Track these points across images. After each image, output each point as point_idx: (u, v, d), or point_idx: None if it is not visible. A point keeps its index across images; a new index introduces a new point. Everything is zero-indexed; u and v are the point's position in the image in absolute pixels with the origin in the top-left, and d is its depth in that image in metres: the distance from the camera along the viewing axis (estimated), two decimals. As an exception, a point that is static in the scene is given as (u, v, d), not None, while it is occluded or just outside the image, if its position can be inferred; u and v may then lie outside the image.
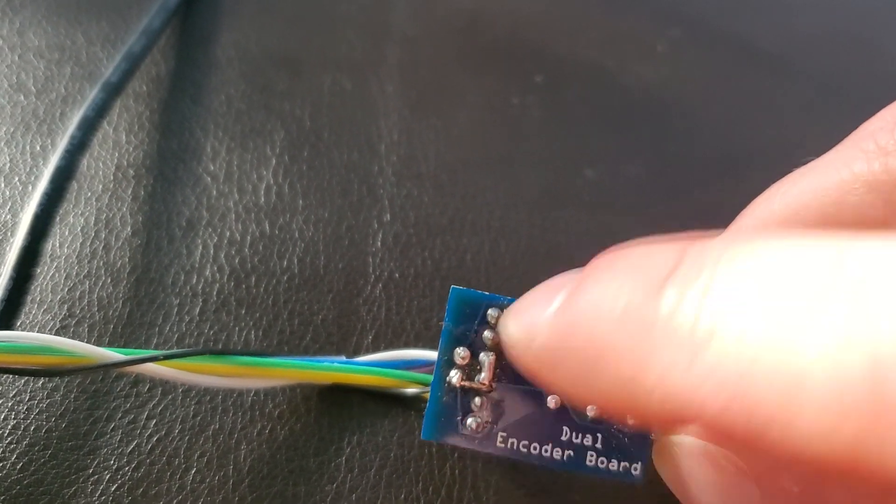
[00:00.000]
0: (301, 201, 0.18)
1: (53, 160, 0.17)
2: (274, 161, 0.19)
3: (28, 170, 0.18)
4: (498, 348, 0.13)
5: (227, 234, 0.17)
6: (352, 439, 0.15)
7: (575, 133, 0.19)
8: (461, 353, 0.13)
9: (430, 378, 0.13)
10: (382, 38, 0.22)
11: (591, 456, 0.13)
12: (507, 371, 0.13)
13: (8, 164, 0.18)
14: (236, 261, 0.17)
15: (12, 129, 0.19)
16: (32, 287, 0.16)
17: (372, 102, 0.20)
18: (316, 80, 0.20)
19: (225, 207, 0.18)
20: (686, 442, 0.12)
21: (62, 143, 0.17)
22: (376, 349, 0.16)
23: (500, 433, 0.13)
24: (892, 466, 0.07)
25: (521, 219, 0.18)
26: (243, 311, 0.16)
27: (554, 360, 0.10)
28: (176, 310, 0.16)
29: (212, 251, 0.17)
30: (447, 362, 0.13)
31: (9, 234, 0.17)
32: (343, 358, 0.15)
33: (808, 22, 0.23)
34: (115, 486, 0.15)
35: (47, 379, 0.15)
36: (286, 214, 0.18)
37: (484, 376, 0.13)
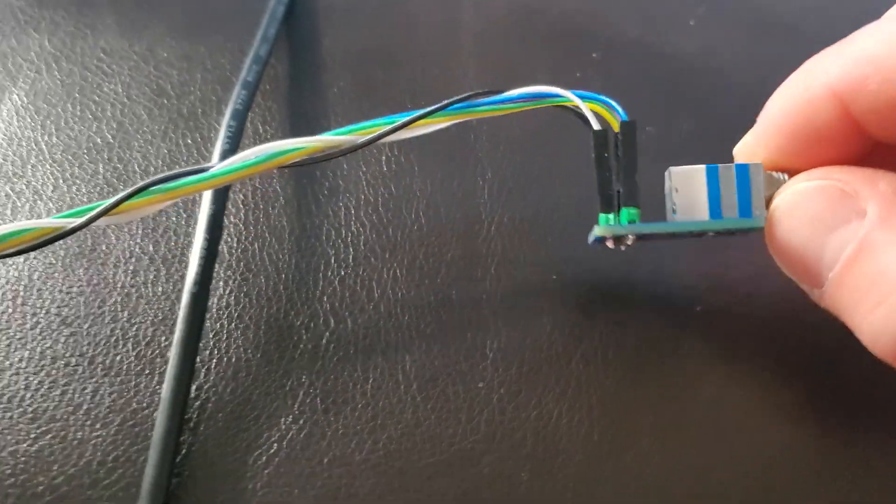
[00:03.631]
0: (416, 167, 0.22)
1: (218, 145, 0.20)
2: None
3: (185, 158, 0.22)
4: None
5: (362, 197, 0.21)
6: (492, 346, 0.19)
7: (632, 98, 0.23)
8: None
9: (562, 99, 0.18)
10: (455, 31, 0.25)
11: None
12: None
13: (168, 155, 0.22)
14: (374, 217, 0.21)
15: (163, 128, 0.22)
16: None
17: (458, 86, 0.24)
18: (409, 70, 0.24)
19: (356, 176, 0.21)
20: (801, 182, 0.16)
21: (222, 132, 0.20)
22: (499, 279, 0.20)
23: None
24: None
25: (588, 176, 0.21)
26: (387, 255, 0.20)
27: None
28: (333, 258, 0.20)
29: (353, 211, 0.21)
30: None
31: (190, 204, 0.20)
32: (494, 97, 0.18)
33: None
34: (308, 398, 0.18)
35: (238, 318, 0.19)
36: (406, 178, 0.21)
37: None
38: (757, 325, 0.19)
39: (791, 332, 0.19)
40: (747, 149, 0.18)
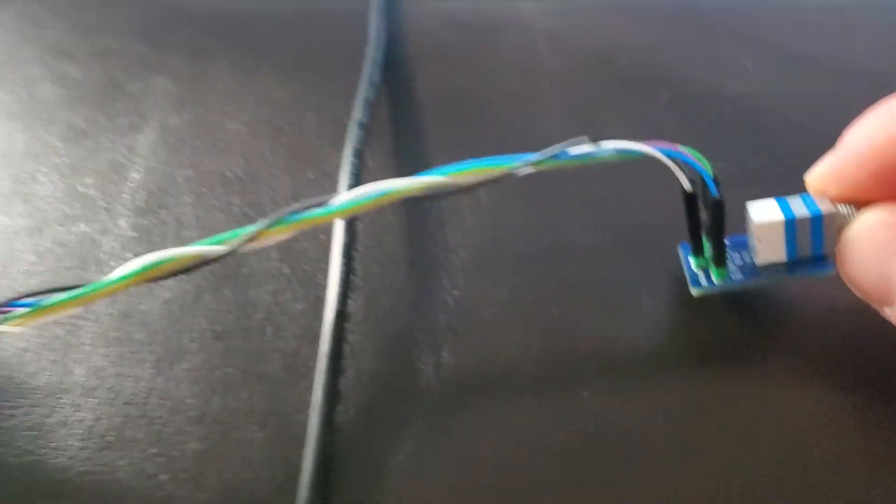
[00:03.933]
0: (512, 198, 0.24)
1: (345, 180, 0.23)
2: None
3: (309, 192, 0.24)
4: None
5: (465, 224, 0.24)
6: (592, 359, 0.21)
7: (702, 136, 0.26)
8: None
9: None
10: (535, 76, 0.28)
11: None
12: None
13: (292, 189, 0.24)
14: (477, 242, 0.23)
15: (286, 164, 0.25)
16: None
17: (543, 127, 0.26)
18: (499, 113, 0.27)
19: (460, 207, 0.24)
20: (868, 216, 0.18)
21: (346, 168, 0.23)
22: (594, 300, 0.22)
23: None
24: None
25: (674, 200, 0.24)
26: (492, 279, 0.23)
27: None
28: (445, 280, 0.23)
29: (459, 236, 0.23)
30: None
31: (320, 234, 0.23)
32: (586, 148, 0.20)
33: (859, 32, 0.29)
34: (434, 405, 0.21)
35: (368, 333, 0.21)
36: (504, 209, 0.24)
37: None
38: (835, 342, 0.21)
39: (869, 350, 0.21)
40: (821, 180, 0.20)
